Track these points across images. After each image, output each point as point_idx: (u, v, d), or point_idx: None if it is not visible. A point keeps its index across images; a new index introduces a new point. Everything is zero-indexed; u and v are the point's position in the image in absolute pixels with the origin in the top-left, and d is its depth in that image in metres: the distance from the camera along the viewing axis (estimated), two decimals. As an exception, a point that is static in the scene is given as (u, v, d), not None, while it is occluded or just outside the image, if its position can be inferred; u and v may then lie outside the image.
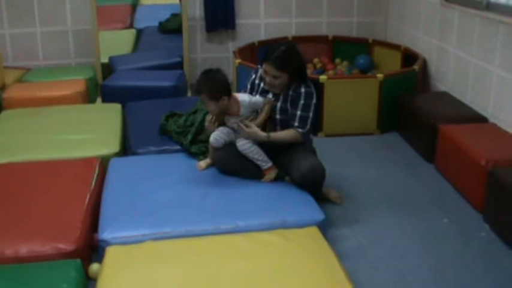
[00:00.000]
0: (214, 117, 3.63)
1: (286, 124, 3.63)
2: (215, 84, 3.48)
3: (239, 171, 3.66)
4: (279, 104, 3.62)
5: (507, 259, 3.21)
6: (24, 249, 2.87)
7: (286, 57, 3.52)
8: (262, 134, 3.54)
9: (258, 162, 3.60)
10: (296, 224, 3.09)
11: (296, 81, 3.59)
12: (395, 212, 3.74)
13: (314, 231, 3.02)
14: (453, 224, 3.58)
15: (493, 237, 3.43)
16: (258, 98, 3.64)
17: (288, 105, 3.60)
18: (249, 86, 3.80)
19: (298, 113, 3.56)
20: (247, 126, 3.52)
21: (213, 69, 3.59)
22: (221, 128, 3.68)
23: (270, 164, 3.62)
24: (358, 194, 3.96)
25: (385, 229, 3.53)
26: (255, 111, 3.63)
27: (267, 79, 3.56)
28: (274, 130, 3.65)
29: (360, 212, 3.73)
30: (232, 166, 3.67)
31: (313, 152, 3.77)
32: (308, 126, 3.58)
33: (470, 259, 3.21)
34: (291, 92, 3.59)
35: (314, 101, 3.59)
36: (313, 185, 3.51)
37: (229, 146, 3.69)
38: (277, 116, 3.61)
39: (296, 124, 3.56)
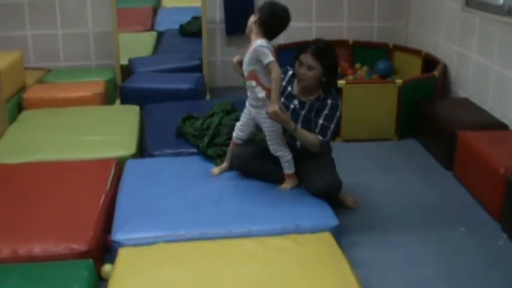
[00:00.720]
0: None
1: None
2: (267, 11, 3.47)
3: (257, 172, 3.68)
4: (302, 112, 3.58)
5: (524, 267, 3.18)
6: (37, 249, 2.90)
7: (324, 50, 3.54)
8: (292, 124, 3.49)
9: (285, 164, 3.58)
10: (309, 229, 3.08)
11: (327, 83, 3.59)
12: (411, 220, 3.71)
13: (327, 236, 3.00)
14: (470, 233, 3.54)
15: (510, 246, 3.38)
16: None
17: (312, 114, 3.57)
18: None
19: (320, 121, 3.55)
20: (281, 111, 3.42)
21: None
22: (243, 120, 3.66)
23: (293, 170, 3.59)
24: (374, 201, 3.93)
25: (400, 237, 3.50)
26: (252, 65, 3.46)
27: (301, 70, 3.53)
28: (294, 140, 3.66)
29: (375, 218, 3.71)
30: (251, 166, 3.69)
31: (332, 162, 3.75)
32: (328, 137, 3.57)
33: (486, 269, 3.17)
34: (317, 103, 3.57)
35: (338, 113, 3.59)
36: (327, 198, 3.49)
37: (249, 145, 3.75)
38: (299, 125, 3.56)
39: (317, 131, 3.56)
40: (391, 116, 5.05)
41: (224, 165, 3.76)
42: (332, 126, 3.56)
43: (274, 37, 3.51)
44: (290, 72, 3.71)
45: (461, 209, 3.87)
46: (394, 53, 6.35)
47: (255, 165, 3.69)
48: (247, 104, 3.62)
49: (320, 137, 3.53)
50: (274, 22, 3.46)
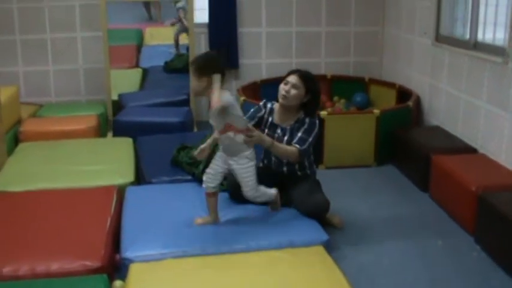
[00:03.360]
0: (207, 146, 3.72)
1: None
2: (207, 60, 3.45)
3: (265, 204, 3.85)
4: (285, 138, 3.86)
5: (496, 274, 3.50)
6: (54, 266, 3.09)
7: (309, 75, 3.93)
8: (267, 139, 3.69)
9: (269, 201, 3.76)
10: (302, 244, 3.36)
11: (307, 108, 3.88)
12: (393, 236, 4.00)
13: (320, 249, 3.29)
14: (447, 246, 3.85)
15: (483, 256, 3.70)
16: (239, 112, 3.51)
17: (294, 137, 3.85)
18: (256, 120, 4.00)
19: (299, 134, 3.82)
20: (251, 132, 3.54)
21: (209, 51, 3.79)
22: (213, 172, 3.64)
23: (274, 192, 3.74)
24: (357, 220, 4.20)
25: (383, 251, 3.79)
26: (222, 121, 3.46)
27: (286, 88, 3.84)
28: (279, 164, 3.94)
29: (359, 235, 3.98)
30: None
31: (318, 184, 4.03)
32: (306, 147, 3.79)
33: (463, 276, 3.48)
34: (296, 124, 3.86)
35: (316, 130, 3.86)
36: (317, 217, 3.73)
37: None
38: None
39: (294, 141, 3.80)
40: (369, 143, 5.36)
41: (208, 218, 3.66)
42: (310, 139, 3.82)
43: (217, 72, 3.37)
44: (269, 105, 4.03)
45: (438, 225, 4.18)
46: (370, 86, 6.69)
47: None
48: (218, 156, 3.62)
49: (298, 146, 3.77)
50: (215, 64, 3.39)
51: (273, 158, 3.98)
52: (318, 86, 3.96)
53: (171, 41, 7.28)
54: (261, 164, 4.09)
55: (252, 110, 4.08)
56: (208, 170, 3.68)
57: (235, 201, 3.92)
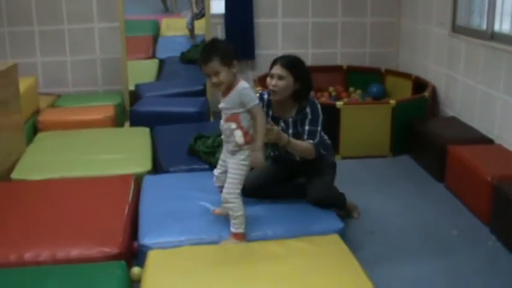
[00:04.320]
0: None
1: None
2: (226, 47, 3.25)
3: (270, 196, 3.80)
4: (290, 131, 3.66)
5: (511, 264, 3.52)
6: (74, 252, 3.15)
7: (293, 60, 3.65)
8: (285, 136, 3.51)
9: (234, 221, 3.30)
10: (318, 232, 3.38)
11: (300, 95, 3.65)
12: (408, 226, 4.03)
13: (335, 237, 3.31)
14: (462, 235, 3.87)
15: (498, 246, 3.71)
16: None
17: (299, 128, 3.66)
18: None
19: (306, 128, 3.62)
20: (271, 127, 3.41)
21: (213, 38, 3.58)
22: (220, 169, 3.48)
23: (242, 230, 3.31)
24: (372, 210, 4.23)
25: (398, 240, 3.82)
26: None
27: (273, 82, 3.59)
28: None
29: (375, 225, 4.01)
30: (263, 193, 3.79)
31: (329, 170, 3.88)
32: (317, 139, 3.62)
33: (478, 265, 3.50)
34: (299, 116, 3.66)
35: (321, 116, 3.65)
36: (325, 206, 3.68)
37: (261, 170, 3.72)
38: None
39: (305, 137, 3.62)
40: (385, 134, 5.38)
41: (226, 211, 3.47)
42: (319, 128, 3.64)
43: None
44: (266, 97, 3.74)
45: (453, 215, 4.19)
46: (386, 77, 6.70)
47: (267, 191, 3.80)
48: (223, 152, 3.45)
49: (311, 141, 3.60)
50: (232, 48, 3.27)
51: (298, 158, 3.77)
52: (305, 70, 3.70)
53: (187, 32, 7.30)
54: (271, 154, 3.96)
55: None
56: (216, 170, 3.53)
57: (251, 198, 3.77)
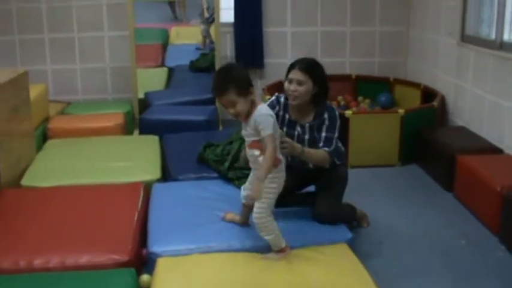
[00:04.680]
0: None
1: None
2: (241, 75, 3.06)
3: (284, 205, 3.67)
4: (306, 137, 3.61)
5: (523, 276, 3.50)
6: (83, 259, 3.15)
7: (311, 63, 3.58)
8: (298, 146, 3.45)
9: (272, 243, 3.22)
10: (327, 242, 3.38)
11: (319, 98, 3.58)
12: (417, 235, 4.03)
13: (344, 246, 3.31)
14: (471, 245, 3.86)
15: (508, 256, 3.71)
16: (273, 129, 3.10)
17: (315, 134, 3.60)
18: None
19: (323, 134, 3.56)
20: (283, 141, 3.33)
21: (228, 64, 3.37)
22: (247, 183, 3.43)
23: (284, 243, 3.25)
24: (381, 219, 4.22)
25: (407, 250, 3.81)
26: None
27: (291, 87, 3.51)
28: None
29: (383, 234, 4.01)
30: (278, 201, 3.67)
31: (340, 183, 3.78)
32: (333, 146, 3.56)
33: (487, 276, 3.49)
34: (316, 122, 3.59)
35: (338, 122, 3.59)
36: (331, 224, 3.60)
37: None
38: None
39: (321, 144, 3.55)
40: (394, 143, 5.38)
41: (237, 217, 3.55)
42: (336, 135, 3.57)
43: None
44: (282, 100, 3.66)
45: (462, 225, 4.18)
46: (394, 86, 6.70)
47: (281, 201, 3.60)
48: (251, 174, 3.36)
49: (326, 149, 3.54)
50: (247, 76, 3.10)
51: (311, 165, 3.70)
52: (322, 72, 3.61)
53: (196, 40, 7.34)
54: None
55: None
56: (246, 185, 3.46)
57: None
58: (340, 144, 3.80)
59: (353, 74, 6.92)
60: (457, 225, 4.18)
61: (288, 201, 3.77)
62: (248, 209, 3.44)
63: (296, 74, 3.51)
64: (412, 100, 6.35)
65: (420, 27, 6.65)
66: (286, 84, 3.57)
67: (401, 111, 5.37)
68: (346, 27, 6.91)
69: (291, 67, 3.57)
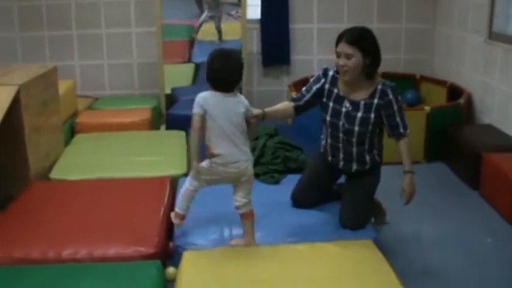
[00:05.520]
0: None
1: (363, 137, 3.47)
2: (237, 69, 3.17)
3: (318, 203, 3.75)
4: (359, 114, 3.39)
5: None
6: (111, 251, 3.23)
7: (359, 34, 3.32)
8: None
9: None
10: (352, 237, 3.41)
11: (371, 70, 3.39)
12: (441, 233, 4.02)
13: (369, 242, 3.33)
14: (496, 244, 3.84)
15: (535, 256, 3.68)
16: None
17: (372, 115, 3.39)
18: (313, 92, 3.55)
19: (398, 119, 3.43)
20: None
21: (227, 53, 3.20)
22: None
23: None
24: (405, 216, 4.18)
25: (431, 247, 3.81)
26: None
27: (340, 62, 3.31)
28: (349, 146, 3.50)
29: (407, 232, 4.01)
30: (311, 202, 3.75)
31: (374, 185, 3.70)
32: (408, 125, 3.48)
33: (512, 274, 3.47)
34: (376, 101, 3.38)
35: (402, 101, 3.48)
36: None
37: (307, 180, 3.79)
38: (356, 128, 3.42)
39: (402, 131, 3.46)
40: (419, 140, 5.36)
41: (241, 241, 3.38)
42: (404, 113, 3.47)
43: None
44: (330, 73, 3.50)
45: (488, 223, 4.17)
46: (420, 83, 6.68)
47: (314, 200, 3.75)
48: None
49: (407, 132, 3.48)
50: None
51: (342, 155, 3.58)
52: (373, 42, 3.37)
53: (224, 37, 7.35)
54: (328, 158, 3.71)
55: (311, 80, 3.63)
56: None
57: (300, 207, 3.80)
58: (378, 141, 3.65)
59: (379, 71, 6.87)
60: (482, 223, 4.17)
61: (322, 200, 3.77)
62: (245, 221, 3.37)
63: (343, 47, 3.29)
64: (438, 97, 6.32)
65: (447, 24, 6.61)
66: (335, 59, 3.36)
67: (427, 108, 5.35)
68: (372, 24, 6.87)
69: (339, 39, 3.34)
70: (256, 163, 4.31)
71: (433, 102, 6.24)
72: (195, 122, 3.15)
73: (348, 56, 3.29)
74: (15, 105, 4.09)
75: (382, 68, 6.79)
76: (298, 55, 6.91)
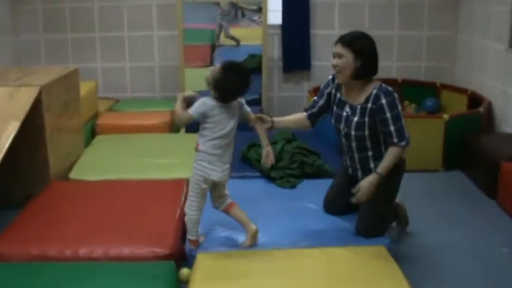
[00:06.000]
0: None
1: (363, 142, 3.48)
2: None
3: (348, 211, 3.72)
4: (355, 119, 3.42)
5: None
6: (126, 251, 3.28)
7: (354, 37, 3.39)
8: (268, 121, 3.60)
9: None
10: (365, 243, 3.41)
11: (363, 73, 3.38)
12: (457, 241, 3.99)
13: (382, 248, 3.33)
14: (512, 254, 3.82)
15: (552, 267, 3.64)
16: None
17: (366, 119, 3.39)
18: (325, 97, 3.66)
19: (392, 128, 3.34)
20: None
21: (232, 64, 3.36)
22: None
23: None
24: (421, 224, 4.18)
25: (446, 255, 3.79)
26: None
27: (333, 62, 3.41)
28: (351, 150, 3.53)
29: (423, 239, 3.99)
30: (339, 210, 3.75)
31: (394, 189, 3.62)
32: (406, 135, 3.37)
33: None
34: (370, 106, 3.38)
35: (399, 108, 3.38)
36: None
37: (334, 191, 3.80)
38: (352, 132, 3.45)
39: (395, 140, 3.35)
40: (438, 148, 5.35)
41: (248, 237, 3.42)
42: (403, 123, 3.36)
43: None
44: (336, 80, 3.57)
45: (504, 232, 4.13)
46: (441, 91, 6.64)
47: (341, 209, 3.74)
48: None
49: (402, 143, 3.36)
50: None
51: (349, 161, 3.63)
52: (367, 45, 3.40)
53: (245, 42, 7.38)
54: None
55: (321, 87, 3.73)
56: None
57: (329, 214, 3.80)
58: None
59: (399, 78, 6.89)
60: (499, 233, 4.13)
61: (350, 208, 3.71)
62: (232, 211, 3.47)
63: (337, 48, 3.40)
64: (458, 106, 6.29)
65: (468, 32, 6.58)
66: (332, 60, 3.47)
67: (445, 116, 5.33)
68: (394, 31, 6.89)
69: (336, 41, 3.45)
70: (273, 167, 4.35)
71: (454, 110, 6.21)
72: (184, 120, 3.37)
73: (340, 56, 3.38)
74: (36, 106, 4.18)
75: (404, 75, 6.88)
76: (319, 61, 6.93)
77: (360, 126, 3.43)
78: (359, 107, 3.43)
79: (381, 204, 3.54)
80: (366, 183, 3.41)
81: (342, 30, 6.45)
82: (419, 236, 4.03)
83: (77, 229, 3.51)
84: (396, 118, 3.36)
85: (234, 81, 3.28)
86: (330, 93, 3.65)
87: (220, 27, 6.82)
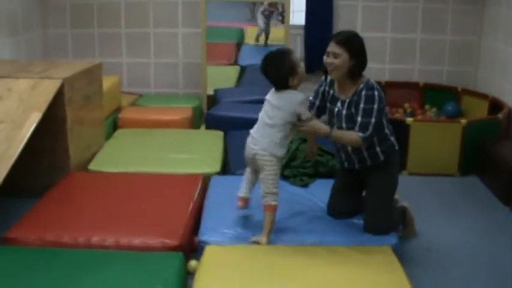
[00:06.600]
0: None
1: None
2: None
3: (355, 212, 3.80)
4: (344, 112, 3.55)
5: None
6: (136, 240, 3.37)
7: (348, 36, 3.53)
8: (323, 128, 3.50)
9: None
10: (371, 243, 3.46)
11: (356, 71, 3.50)
12: (467, 246, 3.99)
13: (387, 249, 3.37)
14: (524, 261, 3.80)
15: None
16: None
17: (353, 110, 3.51)
18: (319, 96, 3.78)
19: (359, 119, 3.44)
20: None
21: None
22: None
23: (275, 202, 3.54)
24: (432, 227, 4.21)
25: (454, 260, 3.79)
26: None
27: (328, 61, 3.52)
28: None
29: (432, 242, 4.00)
30: (344, 212, 3.81)
31: (391, 186, 3.71)
32: (369, 132, 3.42)
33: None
34: (355, 97, 3.50)
35: (376, 105, 3.43)
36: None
37: (336, 192, 3.88)
38: (344, 125, 3.55)
39: (357, 129, 3.44)
40: (454, 153, 5.35)
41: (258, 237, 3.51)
42: (373, 120, 3.41)
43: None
44: (330, 77, 3.66)
45: (517, 238, 4.13)
46: (462, 96, 6.60)
47: (347, 210, 3.81)
48: None
49: (360, 134, 3.41)
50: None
51: (343, 155, 3.72)
52: (360, 45, 3.52)
53: (272, 41, 7.44)
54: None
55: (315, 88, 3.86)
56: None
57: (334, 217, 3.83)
58: (392, 138, 3.68)
59: (421, 82, 6.89)
60: (510, 239, 4.13)
61: (356, 209, 3.80)
62: (265, 212, 3.55)
63: (332, 47, 3.51)
64: (479, 111, 6.27)
65: (492, 37, 6.55)
66: (324, 58, 3.57)
67: (463, 121, 5.34)
68: (416, 34, 6.89)
69: (330, 40, 3.57)
70: (287, 165, 4.42)
71: (474, 115, 6.19)
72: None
73: (336, 55, 3.48)
74: (59, 98, 4.30)
75: (426, 78, 6.88)
76: (341, 62, 6.94)
77: (349, 118, 3.54)
78: (347, 100, 3.56)
79: (383, 196, 3.67)
80: (318, 124, 3.53)
81: (364, 33, 6.50)
82: (429, 239, 4.04)
83: (91, 218, 3.62)
84: (367, 112, 3.44)
85: (266, 69, 3.78)
86: (324, 91, 3.77)
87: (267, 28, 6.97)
